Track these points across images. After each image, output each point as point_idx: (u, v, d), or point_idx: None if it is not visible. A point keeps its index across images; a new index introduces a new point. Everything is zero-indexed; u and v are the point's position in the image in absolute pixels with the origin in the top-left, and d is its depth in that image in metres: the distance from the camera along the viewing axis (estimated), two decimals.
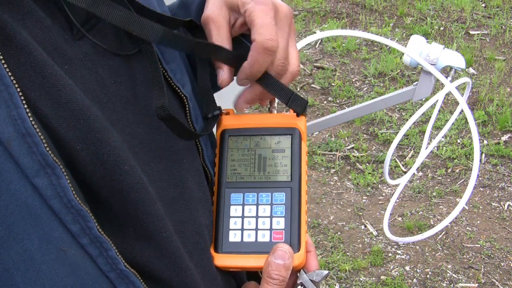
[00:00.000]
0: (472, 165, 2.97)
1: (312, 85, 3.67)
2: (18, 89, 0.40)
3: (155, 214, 0.49)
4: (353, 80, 3.68)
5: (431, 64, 1.24)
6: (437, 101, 0.97)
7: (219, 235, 0.59)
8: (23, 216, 0.40)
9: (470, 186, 0.72)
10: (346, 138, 3.21)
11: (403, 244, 2.56)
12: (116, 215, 0.47)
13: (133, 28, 0.47)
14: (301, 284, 0.60)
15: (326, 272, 0.60)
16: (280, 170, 0.61)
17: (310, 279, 0.60)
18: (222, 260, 0.59)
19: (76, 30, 0.47)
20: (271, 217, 0.59)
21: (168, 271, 0.51)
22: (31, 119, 0.40)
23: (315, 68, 3.81)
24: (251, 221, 0.59)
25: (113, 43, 0.51)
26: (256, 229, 0.59)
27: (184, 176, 0.57)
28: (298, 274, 0.60)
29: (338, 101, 3.51)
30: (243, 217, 0.60)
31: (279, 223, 0.59)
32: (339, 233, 2.63)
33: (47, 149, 0.41)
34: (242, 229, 0.59)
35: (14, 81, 0.40)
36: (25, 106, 0.40)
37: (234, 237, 0.59)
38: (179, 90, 0.58)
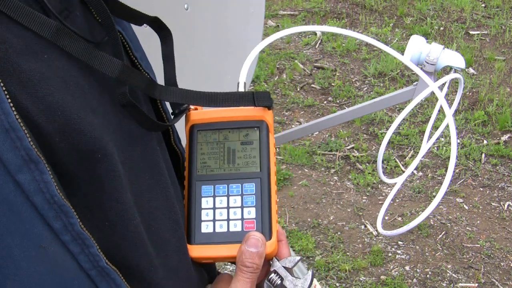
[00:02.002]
0: (471, 165, 2.97)
1: (312, 85, 3.67)
2: (1, 84, 0.40)
3: (128, 202, 0.50)
4: (353, 80, 3.68)
5: (431, 64, 1.24)
6: (438, 99, 0.97)
7: (192, 227, 0.60)
8: (4, 212, 0.40)
9: (449, 173, 0.72)
10: (346, 138, 3.21)
11: (403, 243, 2.56)
12: (92, 207, 0.47)
13: (93, 62, 0.48)
14: (274, 272, 0.60)
15: (298, 257, 0.61)
16: (249, 161, 0.62)
17: (283, 266, 0.61)
18: (196, 251, 0.60)
19: (54, 19, 0.47)
20: (242, 207, 0.60)
21: (144, 262, 0.51)
22: (15, 113, 0.40)
23: (315, 68, 3.81)
24: (222, 212, 0.60)
25: (86, 31, 0.52)
26: (228, 220, 0.60)
27: (159, 163, 0.58)
28: (271, 262, 0.61)
29: (338, 101, 3.51)
30: (214, 208, 0.61)
31: (250, 212, 0.60)
32: (339, 233, 2.63)
33: (31, 143, 0.41)
34: (214, 220, 0.60)
35: None
36: (9, 100, 0.40)
37: (206, 228, 0.60)
38: (148, 76, 0.59)
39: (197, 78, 1.35)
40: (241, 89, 0.68)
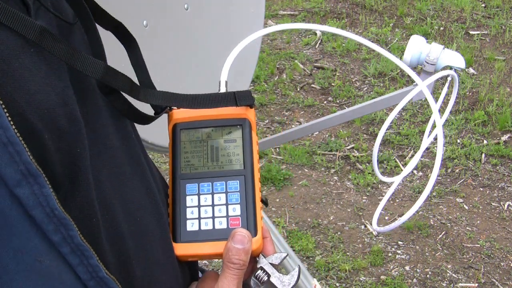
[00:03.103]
0: (472, 165, 2.97)
1: (312, 85, 3.67)
2: None
3: (108, 195, 0.50)
4: (353, 80, 3.68)
5: (431, 64, 1.24)
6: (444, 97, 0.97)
7: (177, 225, 0.61)
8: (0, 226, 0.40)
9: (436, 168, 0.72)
10: (346, 138, 3.21)
11: (403, 243, 2.56)
12: (81, 206, 0.47)
13: (75, 64, 0.48)
14: (261, 268, 0.61)
15: (284, 254, 0.62)
16: (232, 159, 0.63)
17: (269, 262, 0.61)
18: (182, 249, 0.60)
19: (34, 9, 0.47)
20: (227, 204, 0.61)
21: (124, 257, 0.51)
22: (13, 127, 0.39)
23: (315, 68, 3.81)
24: (207, 209, 0.61)
25: (61, 14, 0.51)
26: (213, 217, 0.60)
27: (137, 152, 0.58)
28: (258, 259, 0.61)
29: (338, 101, 3.51)
30: (199, 206, 0.61)
31: (235, 210, 0.60)
32: (339, 233, 2.63)
33: (30, 157, 0.40)
34: (199, 218, 0.61)
35: None
36: (7, 114, 0.39)
37: (191, 226, 0.60)
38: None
39: (196, 77, 1.35)
40: (223, 88, 0.68)
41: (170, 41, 1.25)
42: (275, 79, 3.74)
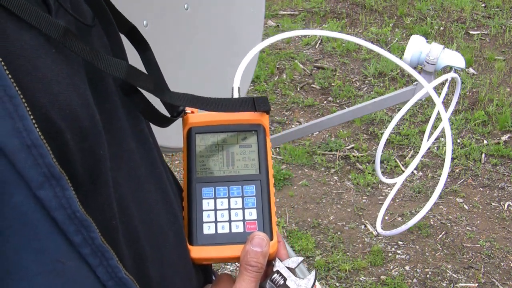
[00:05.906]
0: (472, 165, 2.97)
1: (312, 85, 3.67)
2: (23, 100, 0.39)
3: (125, 197, 0.50)
4: (353, 80, 3.68)
5: (431, 64, 1.24)
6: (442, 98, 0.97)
7: (193, 228, 0.61)
8: (22, 227, 0.40)
9: (444, 173, 0.72)
10: (346, 138, 3.21)
11: (403, 243, 2.56)
12: (101, 207, 0.47)
13: (99, 64, 0.48)
14: (277, 272, 0.61)
15: (301, 258, 0.62)
16: (248, 164, 0.64)
17: (286, 266, 0.61)
18: (198, 252, 0.60)
19: (54, 9, 0.47)
20: (243, 208, 0.61)
21: (139, 258, 0.51)
22: (38, 130, 0.40)
23: (315, 68, 3.81)
24: (224, 213, 0.61)
25: (80, 16, 0.51)
26: (230, 221, 0.61)
27: (153, 155, 0.58)
28: (274, 263, 0.62)
29: (338, 101, 3.51)
30: (215, 210, 0.61)
31: (252, 214, 0.61)
32: (339, 233, 2.63)
33: (54, 160, 0.40)
34: (216, 222, 0.61)
35: (19, 91, 0.39)
36: (31, 116, 0.39)
37: (208, 229, 0.61)
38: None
39: (196, 78, 1.35)
40: (236, 94, 0.69)
41: (170, 41, 1.25)
42: (275, 79, 3.74)
